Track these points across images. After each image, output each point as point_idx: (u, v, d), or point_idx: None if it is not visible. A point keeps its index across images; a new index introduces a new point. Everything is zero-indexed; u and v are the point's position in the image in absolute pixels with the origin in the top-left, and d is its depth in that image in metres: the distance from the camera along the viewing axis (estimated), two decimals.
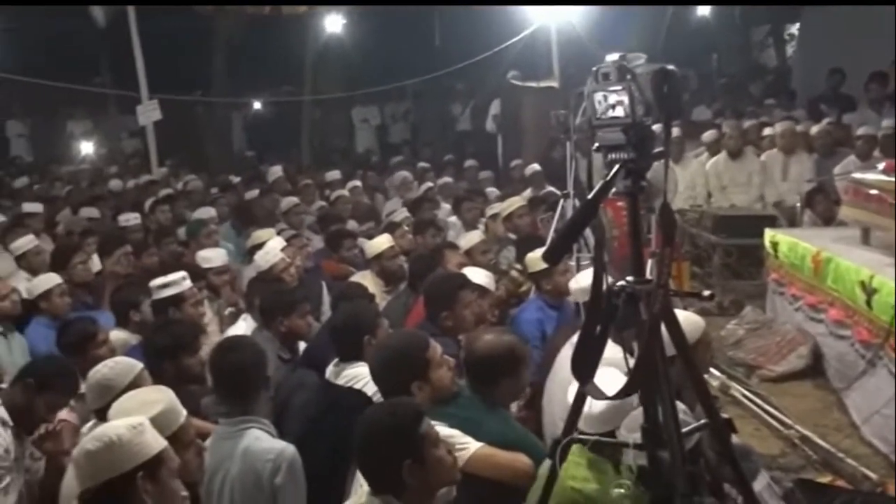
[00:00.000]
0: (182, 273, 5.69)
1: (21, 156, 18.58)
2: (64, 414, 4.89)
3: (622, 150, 2.60)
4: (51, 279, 6.32)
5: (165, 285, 5.56)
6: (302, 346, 5.41)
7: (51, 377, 4.22)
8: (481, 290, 5.26)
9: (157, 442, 2.74)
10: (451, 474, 2.97)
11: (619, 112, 2.56)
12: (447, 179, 11.94)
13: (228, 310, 6.69)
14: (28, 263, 7.46)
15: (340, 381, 4.24)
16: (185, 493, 2.84)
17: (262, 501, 3.51)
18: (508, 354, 3.78)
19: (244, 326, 5.63)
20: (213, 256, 6.99)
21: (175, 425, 3.11)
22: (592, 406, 3.03)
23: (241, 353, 3.94)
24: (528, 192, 9.99)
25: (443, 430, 3.13)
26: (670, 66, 2.51)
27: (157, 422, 2.96)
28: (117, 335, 5.55)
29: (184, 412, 3.22)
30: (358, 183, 11.58)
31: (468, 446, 3.45)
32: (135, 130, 16.66)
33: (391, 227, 8.03)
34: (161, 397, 3.18)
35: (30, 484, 4.30)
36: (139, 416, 2.82)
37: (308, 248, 7.66)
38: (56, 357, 4.90)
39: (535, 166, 10.86)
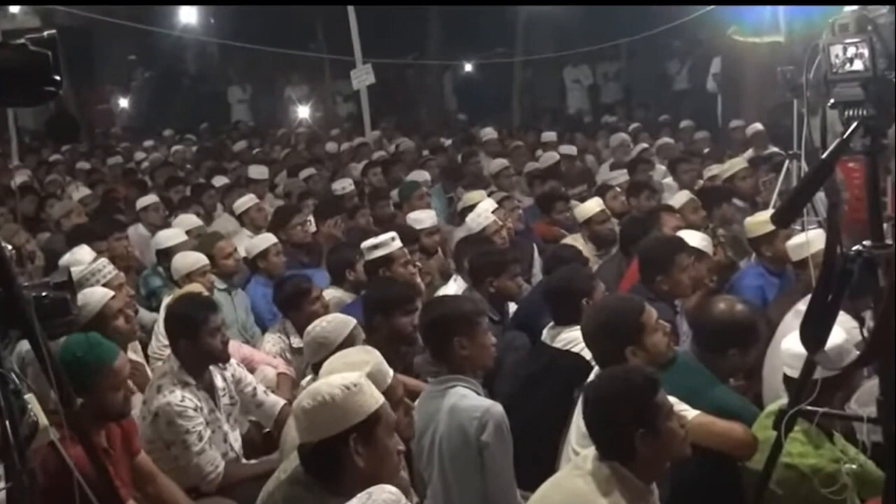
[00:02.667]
0: (392, 234, 5.77)
1: (243, 120, 19.59)
2: (283, 368, 5.11)
3: (861, 106, 2.50)
4: (267, 239, 6.56)
5: (376, 246, 5.66)
6: (512, 307, 5.38)
7: (188, 317, 4.37)
8: (699, 253, 5.04)
9: (373, 401, 2.72)
10: (682, 448, 2.94)
11: (858, 66, 2.46)
12: (664, 140, 11.59)
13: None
14: (250, 221, 7.82)
15: (557, 345, 4.19)
16: (401, 447, 2.86)
17: (469, 458, 3.51)
18: (744, 325, 3.68)
19: (454, 287, 5.66)
20: (423, 217, 7.08)
21: (383, 386, 3.12)
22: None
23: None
24: (749, 153, 9.54)
25: None
26: None
27: None
28: (333, 293, 5.71)
29: (391, 372, 3.23)
30: (573, 150, 11.35)
31: (685, 414, 3.35)
32: (349, 94, 17.18)
33: (602, 190, 7.87)
34: (369, 358, 3.20)
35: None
36: (356, 374, 2.82)
37: (519, 209, 7.61)
38: (187, 296, 5.06)
39: (758, 126, 10.38)
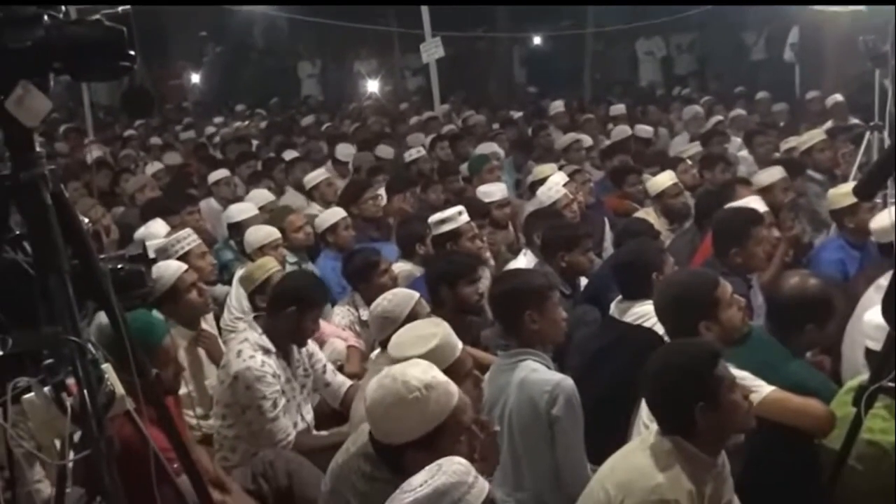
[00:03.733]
0: (459, 208, 5.75)
1: (312, 95, 19.68)
2: (353, 340, 5.13)
3: None
4: (336, 213, 6.58)
5: (443, 220, 5.64)
6: (583, 281, 5.33)
7: (307, 293, 4.43)
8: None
9: (443, 408, 2.67)
10: (746, 420, 2.87)
11: None
12: (739, 112, 11.34)
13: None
14: (320, 195, 7.86)
15: (627, 319, 4.13)
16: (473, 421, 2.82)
17: (539, 432, 3.49)
18: (820, 301, 3.59)
19: (524, 262, 5.62)
20: (493, 190, 7.03)
21: (451, 358, 3.12)
22: None
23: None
24: (827, 125, 9.28)
25: (733, 372, 2.96)
26: None
27: (433, 356, 2.99)
28: (402, 267, 5.71)
29: (459, 345, 3.21)
30: (649, 131, 11.13)
31: (760, 389, 3.31)
32: (418, 68, 17.14)
33: (674, 163, 7.73)
34: (437, 331, 3.18)
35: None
36: (429, 374, 2.74)
37: (590, 183, 7.53)
38: (300, 273, 5.21)
39: (837, 97, 10.11)
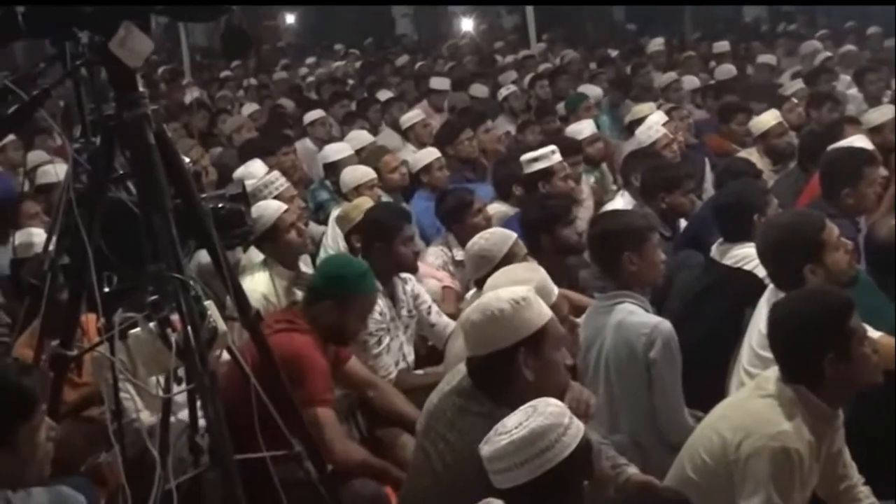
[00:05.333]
0: (551, 147, 5.68)
1: (407, 34, 19.57)
2: (448, 281, 5.14)
3: None
4: (430, 153, 6.56)
5: (535, 159, 5.59)
6: (682, 223, 5.22)
7: (386, 221, 4.51)
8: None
9: (540, 316, 2.73)
10: (874, 375, 2.78)
11: None
12: (849, 48, 10.88)
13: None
14: (416, 136, 7.85)
15: (727, 262, 4.04)
16: (569, 360, 2.86)
17: (636, 375, 3.45)
18: None
19: (621, 203, 5.54)
20: (582, 128, 6.97)
21: (547, 304, 3.09)
22: None
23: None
24: None
25: None
26: None
27: None
28: (497, 208, 5.69)
29: (555, 290, 3.19)
30: (772, 59, 10.74)
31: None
32: (513, 6, 16.86)
33: (779, 102, 7.47)
34: (533, 276, 3.16)
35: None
36: (524, 288, 2.81)
37: (689, 121, 7.34)
38: (384, 205, 5.28)
39: None
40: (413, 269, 4.55)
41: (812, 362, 2.69)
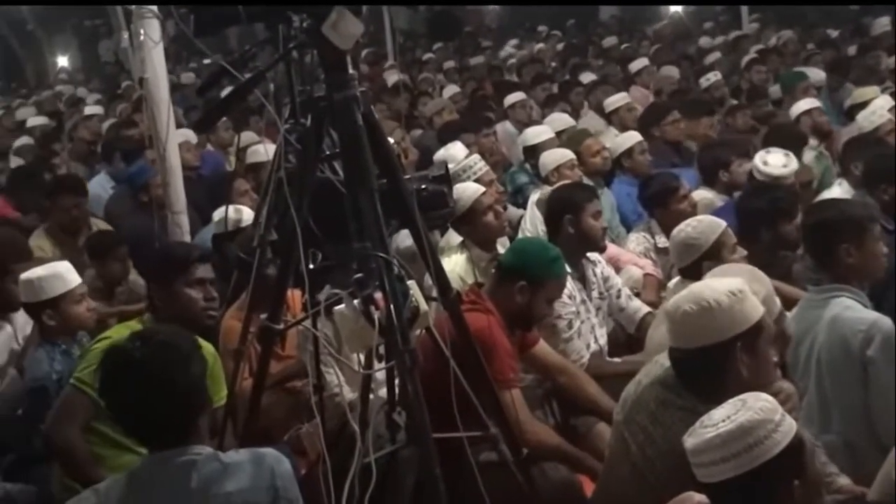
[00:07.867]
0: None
1: (612, 15, 19.23)
2: (650, 268, 5.02)
3: None
4: (632, 137, 6.44)
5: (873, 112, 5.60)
6: None
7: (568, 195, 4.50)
8: None
9: (756, 309, 2.63)
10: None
11: None
12: None
13: None
14: (619, 120, 7.70)
15: None
16: (775, 358, 2.75)
17: (851, 373, 3.30)
18: None
19: (838, 192, 5.25)
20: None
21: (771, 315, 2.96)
22: None
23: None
24: None
25: None
26: None
27: None
28: (703, 195, 5.51)
29: (778, 303, 3.04)
30: None
31: None
32: None
33: None
34: (758, 289, 2.92)
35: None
36: (738, 280, 2.71)
37: None
38: (571, 182, 5.23)
39: None
40: (601, 246, 4.46)
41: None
